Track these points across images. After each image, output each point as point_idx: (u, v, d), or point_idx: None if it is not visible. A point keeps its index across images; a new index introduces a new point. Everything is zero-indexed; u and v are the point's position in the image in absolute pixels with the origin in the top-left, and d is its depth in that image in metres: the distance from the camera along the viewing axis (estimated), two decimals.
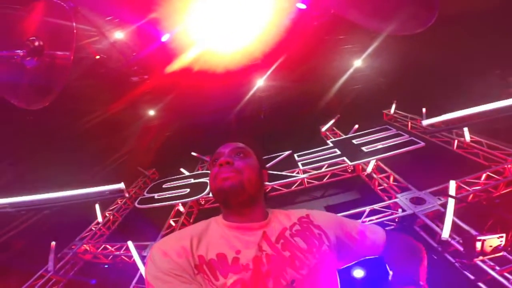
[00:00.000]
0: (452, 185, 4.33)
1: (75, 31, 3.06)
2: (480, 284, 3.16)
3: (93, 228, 6.66)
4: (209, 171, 7.15)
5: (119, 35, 5.17)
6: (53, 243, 5.71)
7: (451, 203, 3.98)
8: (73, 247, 6.09)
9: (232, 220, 1.07)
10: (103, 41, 5.01)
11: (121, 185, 6.47)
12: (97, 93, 6.73)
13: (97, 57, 5.56)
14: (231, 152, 1.17)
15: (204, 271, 0.91)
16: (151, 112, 9.23)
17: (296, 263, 0.96)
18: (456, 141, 5.81)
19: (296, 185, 6.73)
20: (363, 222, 4.74)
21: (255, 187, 1.11)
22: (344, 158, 6.23)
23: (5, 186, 6.15)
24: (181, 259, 0.92)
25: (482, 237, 3.07)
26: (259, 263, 0.94)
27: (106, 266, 5.86)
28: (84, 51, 5.28)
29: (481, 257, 3.10)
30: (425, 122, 6.00)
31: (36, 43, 3.01)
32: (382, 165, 5.88)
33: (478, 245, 3.07)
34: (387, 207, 4.86)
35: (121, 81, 6.59)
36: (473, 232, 3.50)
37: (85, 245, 6.11)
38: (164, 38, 5.23)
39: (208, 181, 6.69)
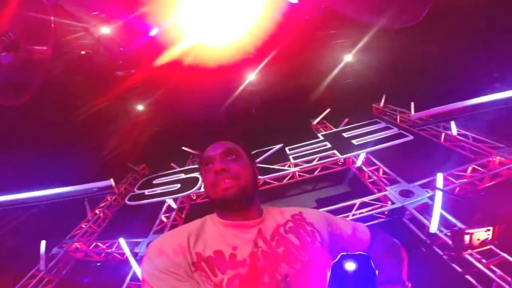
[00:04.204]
0: (440, 178, 4.44)
1: (53, 25, 2.93)
2: (468, 277, 3.27)
3: (84, 226, 6.56)
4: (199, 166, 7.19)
5: (105, 30, 5.00)
6: (44, 241, 5.61)
7: (438, 196, 4.09)
8: (64, 245, 6.00)
9: (228, 219, 1.09)
10: (89, 36, 4.83)
11: (110, 182, 6.34)
12: (84, 88, 6.56)
13: (83, 52, 5.38)
14: (223, 155, 1.14)
15: (202, 268, 0.93)
16: (140, 107, 9.06)
17: (290, 258, 0.99)
18: (443, 134, 5.97)
19: (287, 178, 6.79)
20: (353, 215, 4.86)
21: (252, 186, 1.13)
22: (335, 151, 6.27)
23: None
24: (178, 257, 0.93)
25: (470, 231, 3.15)
26: (255, 259, 0.96)
27: (98, 264, 5.82)
28: (69, 46, 5.11)
29: (469, 251, 3.19)
30: (414, 116, 6.11)
31: (12, 38, 2.88)
32: (372, 158, 5.99)
33: (467, 238, 3.14)
34: (377, 199, 4.96)
35: (109, 76, 6.42)
36: (460, 225, 3.62)
37: (76, 243, 6.03)
38: (152, 33, 5.08)
39: (199, 176, 6.70)
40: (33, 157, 6.47)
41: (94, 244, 5.98)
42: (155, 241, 1.02)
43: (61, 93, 6.41)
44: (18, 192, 5.93)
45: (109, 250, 5.73)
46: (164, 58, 6.13)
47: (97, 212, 7.04)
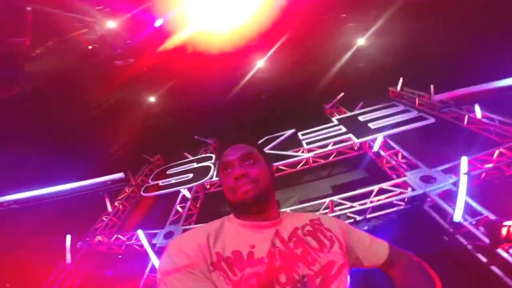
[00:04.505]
0: (464, 162, 4.15)
1: (29, 16, 2.85)
2: (493, 268, 3.08)
3: (105, 219, 6.76)
4: (212, 155, 7.13)
5: (111, 24, 4.90)
6: (69, 236, 5.81)
7: (463, 182, 3.85)
8: (87, 239, 6.21)
9: (246, 219, 1.09)
10: (95, 31, 4.75)
11: (122, 174, 6.39)
12: (95, 83, 6.56)
13: (90, 47, 5.33)
14: (241, 160, 1.14)
15: (222, 268, 0.92)
16: (152, 99, 9.09)
17: (307, 259, 0.98)
18: (466, 117, 5.62)
19: (301, 164, 6.66)
20: (371, 202, 4.70)
21: (270, 188, 1.14)
22: (350, 135, 6.02)
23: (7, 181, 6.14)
24: (197, 257, 0.93)
25: (508, 223, 2.87)
26: (272, 258, 0.96)
27: (120, 256, 5.99)
28: (76, 42, 5.06)
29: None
30: (437, 97, 5.72)
31: None
32: (390, 142, 5.73)
33: (504, 231, 2.87)
34: (396, 186, 4.74)
35: (118, 69, 6.37)
36: (486, 213, 3.40)
37: (98, 237, 6.21)
38: (157, 24, 4.91)
39: (211, 165, 6.69)
40: (48, 154, 6.59)
41: (115, 237, 6.14)
42: (175, 240, 1.02)
43: (73, 89, 6.45)
44: (35, 189, 6.08)
45: (129, 242, 5.87)
46: (173, 47, 5.99)
47: (116, 204, 7.20)
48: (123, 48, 5.50)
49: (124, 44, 5.37)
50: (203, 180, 6.37)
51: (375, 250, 1.20)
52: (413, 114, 5.54)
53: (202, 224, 1.13)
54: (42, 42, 4.41)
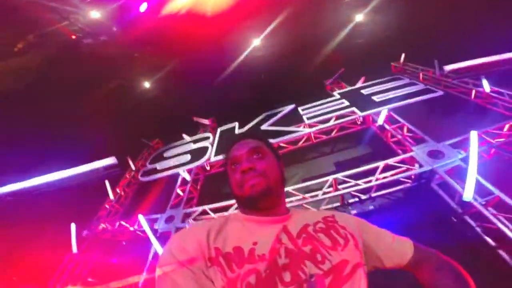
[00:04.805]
0: (474, 136, 3.91)
1: None
2: (501, 252, 2.93)
3: (107, 206, 6.72)
4: (209, 134, 6.94)
5: (94, 14, 4.54)
6: (73, 224, 5.78)
7: (473, 157, 3.64)
8: (92, 227, 6.20)
9: (253, 215, 1.06)
10: (78, 21, 4.42)
11: (114, 159, 6.18)
12: (88, 72, 6.25)
13: (73, 37, 5.01)
14: (248, 154, 1.14)
15: (219, 264, 0.89)
16: (147, 84, 8.86)
17: (317, 257, 0.93)
18: (474, 91, 5.35)
19: (302, 141, 6.44)
20: (377, 179, 4.50)
21: (279, 183, 1.12)
22: (354, 108, 5.78)
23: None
24: (195, 253, 0.91)
25: None
26: (276, 255, 0.91)
27: (124, 243, 6.02)
28: (59, 34, 4.74)
29: None
30: (447, 68, 5.35)
31: None
32: (394, 115, 5.46)
33: None
34: (402, 162, 4.51)
35: (111, 56, 6.03)
36: (497, 192, 3.21)
37: (102, 224, 6.20)
38: (142, 8, 4.51)
39: (208, 145, 6.50)
40: (44, 141, 6.45)
41: (118, 224, 6.10)
42: (177, 235, 1.01)
43: (66, 80, 6.19)
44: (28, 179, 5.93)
45: (132, 228, 5.85)
46: (164, 25, 5.60)
47: (118, 191, 7.15)
48: (110, 36, 5.14)
49: (110, 32, 5.03)
50: (201, 161, 6.19)
51: (398, 248, 1.13)
52: (420, 87, 5.24)
53: (208, 220, 1.08)
54: (22, 35, 4.17)
